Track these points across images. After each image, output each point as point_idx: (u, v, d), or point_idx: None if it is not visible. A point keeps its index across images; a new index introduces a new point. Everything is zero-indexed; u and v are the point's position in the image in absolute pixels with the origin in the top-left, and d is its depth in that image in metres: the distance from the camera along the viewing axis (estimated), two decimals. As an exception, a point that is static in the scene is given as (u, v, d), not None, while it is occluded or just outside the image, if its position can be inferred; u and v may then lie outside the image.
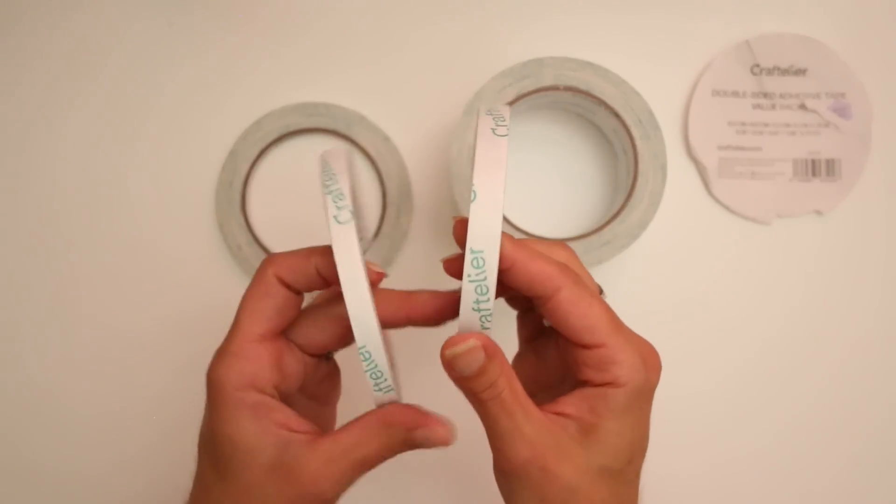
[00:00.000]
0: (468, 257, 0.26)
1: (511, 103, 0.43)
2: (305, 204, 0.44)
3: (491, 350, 0.28)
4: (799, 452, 0.46)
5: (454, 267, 0.30)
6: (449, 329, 0.29)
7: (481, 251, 0.25)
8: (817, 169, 0.47)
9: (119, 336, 0.47)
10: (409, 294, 0.31)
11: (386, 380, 0.29)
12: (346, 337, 0.32)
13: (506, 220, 0.43)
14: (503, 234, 0.27)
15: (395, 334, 0.33)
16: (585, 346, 0.29)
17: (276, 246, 0.47)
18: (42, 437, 0.47)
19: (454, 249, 0.30)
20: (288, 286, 0.30)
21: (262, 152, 0.48)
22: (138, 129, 0.49)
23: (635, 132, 0.43)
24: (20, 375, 0.47)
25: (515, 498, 0.29)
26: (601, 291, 0.32)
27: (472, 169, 0.26)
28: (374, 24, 0.49)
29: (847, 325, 0.47)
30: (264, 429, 0.29)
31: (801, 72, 0.48)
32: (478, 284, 0.26)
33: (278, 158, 0.48)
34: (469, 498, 0.46)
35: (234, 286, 0.44)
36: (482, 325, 0.27)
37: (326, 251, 0.29)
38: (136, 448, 0.47)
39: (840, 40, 0.48)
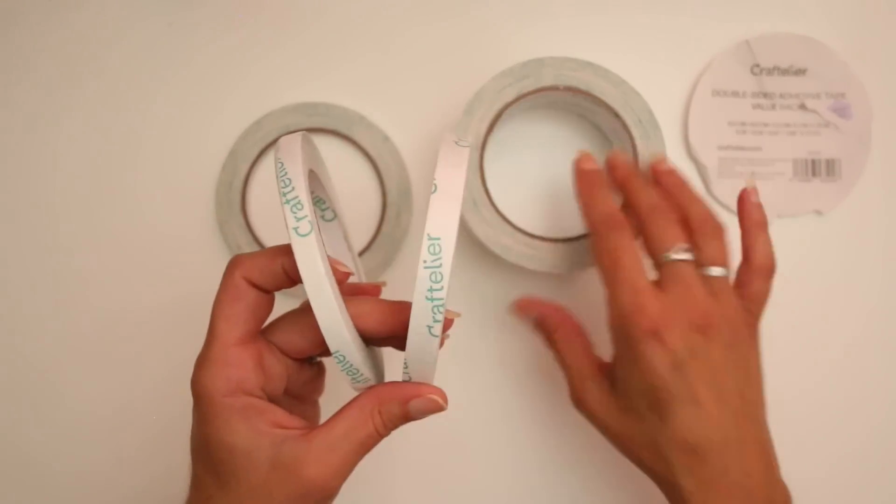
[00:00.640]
0: (425, 244, 0.26)
1: (511, 103, 0.43)
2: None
3: (554, 321, 0.41)
4: (793, 452, 0.46)
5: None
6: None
7: (438, 238, 0.26)
8: (817, 169, 0.47)
9: (119, 336, 0.47)
10: (399, 305, 0.31)
11: (362, 374, 0.29)
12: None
13: (506, 220, 0.43)
14: None
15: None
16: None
17: (276, 246, 0.47)
18: (43, 437, 0.47)
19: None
20: (257, 287, 0.30)
21: (262, 152, 0.47)
22: (138, 128, 0.49)
23: (635, 132, 0.43)
24: (20, 376, 0.47)
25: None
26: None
27: (435, 167, 0.27)
28: (374, 24, 0.49)
29: (847, 325, 0.47)
30: (258, 430, 0.29)
31: (801, 72, 0.48)
32: (433, 271, 0.26)
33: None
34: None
35: (234, 286, 0.44)
36: (433, 318, 0.27)
37: (291, 251, 0.29)
38: (136, 447, 0.47)
39: (840, 40, 0.48)
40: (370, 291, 0.34)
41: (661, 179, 0.40)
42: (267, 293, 0.31)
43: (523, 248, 0.43)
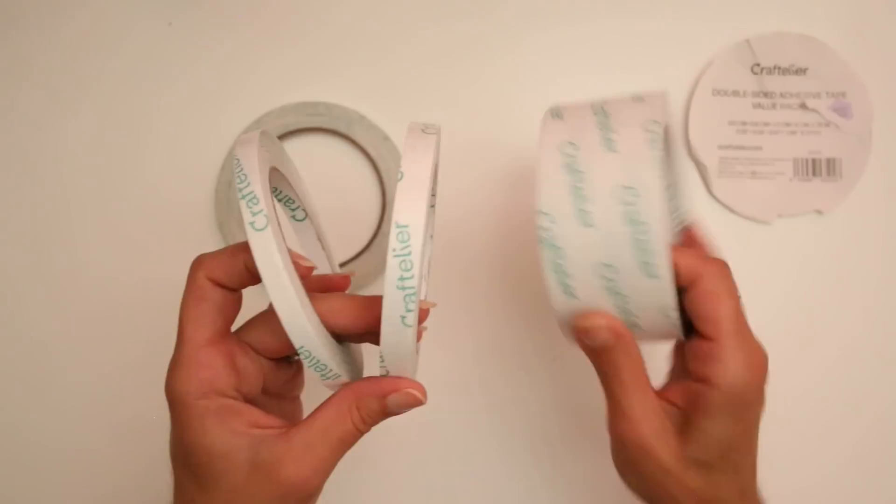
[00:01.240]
0: (393, 231, 0.26)
1: None
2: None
3: (618, 333, 0.30)
4: (793, 451, 0.46)
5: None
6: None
7: (406, 226, 0.26)
8: (817, 169, 0.47)
9: (118, 336, 0.47)
10: (371, 300, 0.31)
11: (331, 370, 0.29)
12: None
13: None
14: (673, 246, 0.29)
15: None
16: (703, 336, 0.31)
17: (276, 246, 0.47)
18: (42, 422, 0.47)
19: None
20: (222, 286, 0.30)
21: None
22: (138, 128, 0.49)
23: None
24: (22, 376, 0.47)
25: (622, 468, 0.33)
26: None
27: (402, 156, 0.27)
28: (374, 24, 0.49)
29: (847, 325, 0.47)
30: (235, 431, 0.29)
31: (801, 71, 0.48)
32: (402, 259, 0.26)
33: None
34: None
35: (233, 286, 0.44)
36: (406, 307, 0.26)
37: None
38: (137, 445, 0.47)
39: (840, 40, 0.48)
40: (339, 283, 0.34)
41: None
42: (233, 291, 0.31)
43: None
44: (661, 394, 0.32)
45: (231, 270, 0.30)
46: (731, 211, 0.47)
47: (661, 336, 0.32)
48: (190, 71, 0.49)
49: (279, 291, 0.27)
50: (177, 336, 0.30)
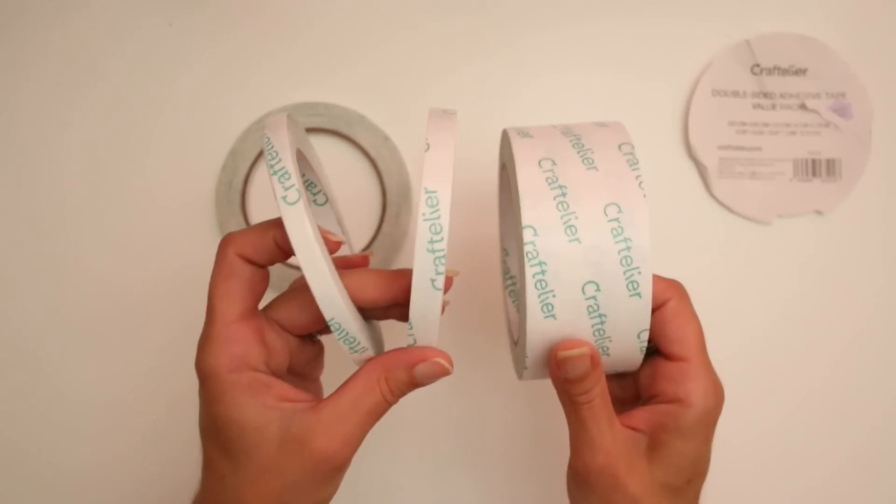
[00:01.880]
0: (423, 197, 0.27)
1: None
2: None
3: (595, 359, 0.29)
4: (794, 451, 0.46)
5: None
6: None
7: (435, 191, 0.27)
8: (817, 169, 0.47)
9: (118, 336, 0.47)
10: (397, 273, 0.31)
11: (359, 343, 0.29)
12: None
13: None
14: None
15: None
16: (670, 357, 0.31)
17: (276, 246, 0.47)
18: (40, 430, 0.47)
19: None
20: (251, 262, 0.30)
21: (262, 152, 0.48)
22: (138, 129, 0.49)
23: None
24: (22, 376, 0.47)
25: (582, 494, 0.31)
26: None
27: (426, 132, 0.28)
28: (375, 24, 0.49)
29: (846, 325, 0.47)
30: (266, 405, 0.29)
31: (801, 72, 0.48)
32: (432, 223, 0.27)
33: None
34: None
35: (234, 286, 0.44)
36: (436, 270, 0.27)
37: (282, 223, 0.29)
38: (136, 442, 0.47)
39: (840, 40, 0.48)
40: (358, 262, 0.34)
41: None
42: (261, 268, 0.31)
43: None
44: (622, 421, 0.31)
45: (260, 246, 0.30)
46: (731, 211, 0.47)
47: (620, 365, 0.31)
48: (190, 71, 0.49)
49: (312, 263, 0.27)
50: (206, 312, 0.30)
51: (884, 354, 0.47)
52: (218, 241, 0.47)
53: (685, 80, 0.48)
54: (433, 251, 0.27)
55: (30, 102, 0.49)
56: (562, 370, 0.29)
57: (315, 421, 0.29)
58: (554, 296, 0.28)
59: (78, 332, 0.48)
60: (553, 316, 0.29)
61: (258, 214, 0.48)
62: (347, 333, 0.29)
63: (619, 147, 0.30)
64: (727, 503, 0.47)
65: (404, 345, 0.30)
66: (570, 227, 0.28)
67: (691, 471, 0.31)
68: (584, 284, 0.28)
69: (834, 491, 0.46)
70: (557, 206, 0.28)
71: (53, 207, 0.48)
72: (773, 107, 0.48)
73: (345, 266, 0.34)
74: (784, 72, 0.48)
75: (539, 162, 0.29)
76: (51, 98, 0.49)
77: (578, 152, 0.30)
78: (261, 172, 0.48)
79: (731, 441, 0.46)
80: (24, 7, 0.50)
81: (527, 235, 0.28)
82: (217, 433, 0.30)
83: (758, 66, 0.48)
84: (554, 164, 0.29)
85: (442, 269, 0.27)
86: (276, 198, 0.28)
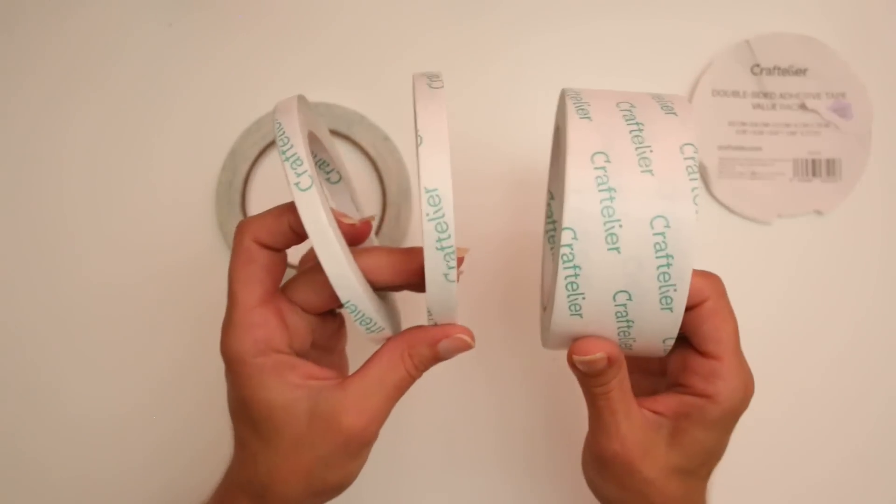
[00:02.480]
0: (424, 197, 0.26)
1: None
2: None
3: (614, 358, 0.30)
4: (792, 451, 0.46)
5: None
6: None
7: (435, 189, 0.26)
8: (817, 169, 0.47)
9: (119, 336, 0.47)
10: (409, 252, 0.32)
11: (376, 323, 0.30)
12: None
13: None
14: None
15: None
16: (704, 354, 0.31)
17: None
18: (44, 438, 0.47)
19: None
20: (268, 247, 0.31)
21: (262, 152, 0.48)
22: (138, 129, 0.49)
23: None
24: (23, 376, 0.47)
25: (599, 480, 0.33)
26: None
27: (416, 119, 0.27)
28: (375, 25, 0.49)
29: (846, 325, 0.47)
30: (292, 384, 0.30)
31: (801, 72, 0.48)
32: (437, 222, 0.26)
33: (278, 158, 0.48)
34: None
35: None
36: (447, 265, 0.27)
37: (296, 208, 0.30)
38: (137, 444, 0.47)
39: (840, 40, 0.48)
40: (362, 230, 0.34)
41: None
42: (278, 252, 0.31)
43: None
44: (647, 404, 0.32)
45: (276, 231, 0.31)
46: (731, 211, 0.47)
47: (645, 354, 0.31)
48: (190, 72, 0.49)
49: (326, 248, 0.28)
50: (228, 298, 0.31)
51: (883, 354, 0.47)
52: (218, 240, 0.48)
53: (685, 80, 0.48)
54: (442, 248, 0.27)
55: (30, 103, 0.49)
56: (581, 367, 0.30)
57: (342, 398, 0.30)
58: (584, 298, 0.28)
59: (78, 332, 0.48)
60: (580, 315, 0.29)
61: (258, 214, 0.48)
62: (364, 315, 0.29)
63: (682, 149, 0.28)
64: (727, 502, 0.47)
65: (423, 320, 0.31)
66: (611, 234, 0.27)
67: (706, 457, 0.32)
68: (616, 293, 0.28)
69: (832, 490, 0.46)
70: (603, 212, 0.27)
71: (54, 208, 0.49)
72: (773, 107, 0.48)
73: (350, 237, 0.34)
74: (784, 72, 0.48)
75: (592, 157, 0.27)
76: (51, 98, 0.49)
77: (637, 148, 0.28)
78: (261, 172, 0.48)
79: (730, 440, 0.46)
80: (25, 7, 0.50)
81: (565, 237, 0.27)
82: (247, 414, 0.30)
83: (758, 66, 0.48)
84: (608, 160, 0.27)
85: (453, 262, 0.27)
86: (289, 184, 0.28)
